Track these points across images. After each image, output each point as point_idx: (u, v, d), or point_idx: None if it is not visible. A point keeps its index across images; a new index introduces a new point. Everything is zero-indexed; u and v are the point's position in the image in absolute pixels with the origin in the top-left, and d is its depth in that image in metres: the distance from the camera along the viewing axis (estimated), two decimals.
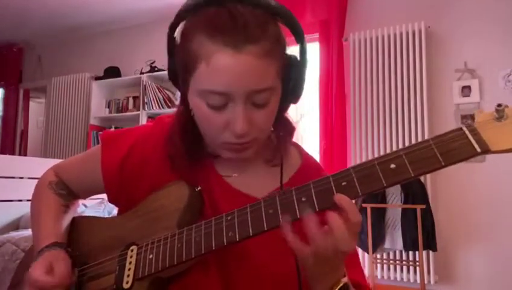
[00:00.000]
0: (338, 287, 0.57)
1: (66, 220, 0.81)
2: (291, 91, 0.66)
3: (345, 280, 0.57)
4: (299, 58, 0.65)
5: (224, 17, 0.58)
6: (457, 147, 0.48)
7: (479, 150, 0.47)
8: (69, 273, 0.69)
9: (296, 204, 0.54)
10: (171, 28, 0.66)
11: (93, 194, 0.85)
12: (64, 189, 0.84)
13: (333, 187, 0.53)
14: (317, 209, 0.53)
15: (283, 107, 0.68)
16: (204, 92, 0.60)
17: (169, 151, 0.72)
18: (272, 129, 0.70)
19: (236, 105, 0.59)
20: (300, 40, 0.65)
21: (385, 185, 0.50)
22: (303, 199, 0.54)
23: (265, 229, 0.55)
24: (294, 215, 0.54)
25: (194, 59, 0.60)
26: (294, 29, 0.64)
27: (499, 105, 0.48)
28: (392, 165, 0.50)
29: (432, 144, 0.49)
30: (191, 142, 0.71)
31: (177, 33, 0.66)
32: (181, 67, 0.63)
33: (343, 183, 0.52)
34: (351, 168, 0.53)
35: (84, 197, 0.87)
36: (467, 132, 0.48)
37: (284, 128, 0.73)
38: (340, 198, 0.52)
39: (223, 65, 0.57)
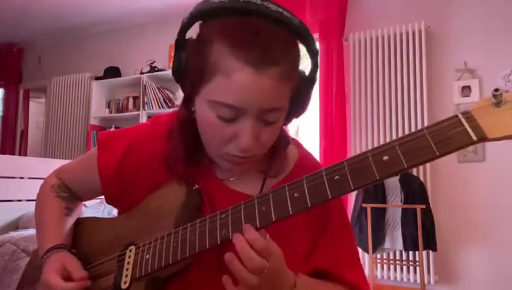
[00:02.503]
0: None
1: (69, 221, 0.81)
2: (297, 108, 0.66)
3: None
4: (308, 74, 0.65)
5: (248, 33, 0.57)
6: (453, 135, 0.46)
7: (475, 138, 0.45)
8: (85, 274, 0.69)
9: (288, 200, 0.54)
10: (184, 27, 0.64)
11: (95, 196, 0.85)
12: (66, 191, 0.84)
13: (326, 181, 0.52)
14: (310, 205, 0.52)
15: (286, 122, 0.68)
16: (216, 103, 0.59)
17: (167, 152, 0.71)
18: None
19: (247, 120, 0.59)
20: (314, 59, 0.65)
21: (378, 178, 0.49)
22: (295, 195, 0.53)
23: (258, 226, 0.55)
24: (286, 212, 0.54)
25: (212, 69, 0.58)
26: (311, 49, 0.64)
27: (496, 90, 0.45)
28: (385, 157, 0.49)
29: (427, 133, 0.47)
30: (191, 145, 0.70)
31: (191, 34, 0.64)
32: (194, 72, 0.61)
33: (336, 178, 0.51)
34: (344, 161, 0.52)
35: (87, 199, 0.88)
36: (463, 120, 0.46)
37: (281, 140, 0.73)
38: (236, 238, 0.54)
39: (242, 83, 0.56)
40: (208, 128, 0.63)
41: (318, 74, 0.68)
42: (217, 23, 0.60)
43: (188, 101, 0.67)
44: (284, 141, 0.73)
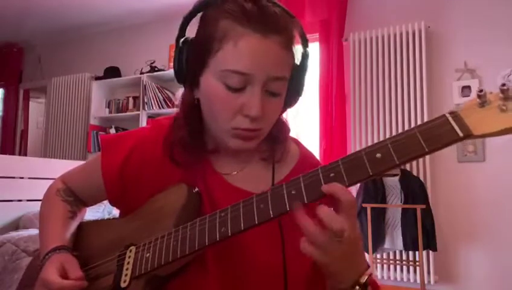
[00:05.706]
0: (364, 280, 0.56)
1: (73, 225, 0.82)
2: (291, 93, 0.69)
3: (369, 271, 0.57)
4: (301, 62, 0.69)
5: (253, 7, 0.62)
6: (441, 133, 0.49)
7: (461, 134, 0.48)
8: (82, 275, 0.70)
9: (286, 198, 0.55)
10: (188, 17, 0.67)
11: (99, 200, 0.86)
12: (71, 196, 0.85)
13: (321, 179, 0.54)
14: (306, 202, 0.54)
15: (283, 108, 0.70)
16: (225, 73, 0.62)
17: (172, 136, 0.73)
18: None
19: (254, 88, 0.62)
20: (306, 45, 0.69)
21: (371, 174, 0.52)
22: (293, 193, 0.55)
23: (256, 223, 0.56)
24: (283, 209, 0.55)
25: (219, 40, 0.62)
26: (303, 34, 0.68)
27: (481, 90, 0.49)
28: (378, 155, 0.52)
29: (417, 131, 0.50)
30: (196, 130, 0.72)
31: (193, 22, 0.68)
32: (199, 49, 0.65)
33: (331, 175, 0.54)
34: (340, 160, 0.54)
35: (91, 204, 0.88)
36: (450, 118, 0.49)
37: (282, 129, 0.75)
38: (329, 187, 0.52)
39: (250, 47, 0.60)
40: (215, 101, 0.64)
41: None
42: (218, 6, 0.64)
43: (191, 86, 0.69)
44: (284, 129, 0.76)
